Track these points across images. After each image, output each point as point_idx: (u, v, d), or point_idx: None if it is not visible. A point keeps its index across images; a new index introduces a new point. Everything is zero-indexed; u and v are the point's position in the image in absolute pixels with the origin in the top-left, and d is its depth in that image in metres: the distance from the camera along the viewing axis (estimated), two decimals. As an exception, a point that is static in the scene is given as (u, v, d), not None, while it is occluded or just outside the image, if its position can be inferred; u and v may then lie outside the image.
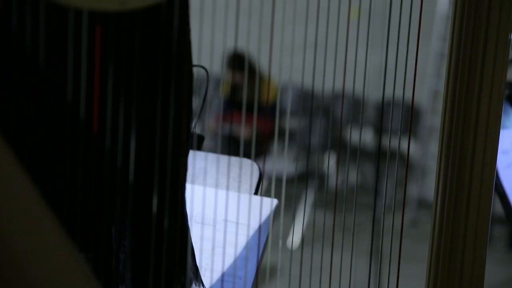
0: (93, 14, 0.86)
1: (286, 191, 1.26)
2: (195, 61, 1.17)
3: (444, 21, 5.93)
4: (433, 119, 6.21)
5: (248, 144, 4.71)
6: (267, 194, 1.33)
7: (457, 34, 1.21)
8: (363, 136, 6.32)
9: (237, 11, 1.12)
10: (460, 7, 1.20)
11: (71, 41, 0.88)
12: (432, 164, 6.11)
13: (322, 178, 5.76)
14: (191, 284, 1.10)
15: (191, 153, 1.23)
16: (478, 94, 1.19)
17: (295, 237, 4.91)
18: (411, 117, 1.41)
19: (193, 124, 1.31)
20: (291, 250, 1.61)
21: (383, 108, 1.46)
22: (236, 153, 1.34)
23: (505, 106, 1.78)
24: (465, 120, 1.20)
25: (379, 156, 1.59)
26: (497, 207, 2.12)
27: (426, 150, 6.29)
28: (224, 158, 1.34)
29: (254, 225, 1.29)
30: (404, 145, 1.55)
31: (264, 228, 1.28)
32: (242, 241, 1.28)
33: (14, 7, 0.87)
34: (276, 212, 1.31)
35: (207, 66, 1.29)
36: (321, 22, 1.29)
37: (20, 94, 0.90)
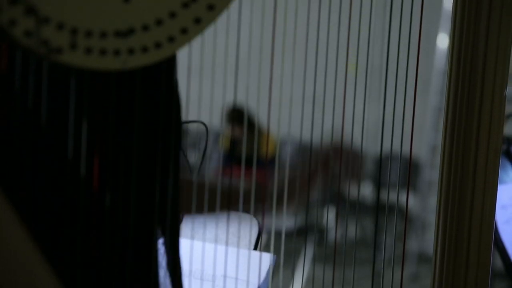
0: (94, 72, 0.87)
1: (285, 246, 1.25)
2: (195, 115, 1.18)
3: (442, 76, 5.98)
4: (432, 173, 6.20)
5: (247, 198, 4.69)
6: (267, 248, 1.32)
7: (453, 90, 1.22)
8: (362, 190, 6.31)
9: (236, 66, 1.13)
10: (455, 64, 1.22)
11: (73, 98, 0.90)
12: (432, 218, 6.08)
13: (321, 232, 5.73)
14: None
15: (190, 208, 1.23)
16: (475, 149, 1.20)
17: (295, 292, 4.85)
18: (409, 171, 1.41)
19: (193, 178, 1.32)
20: (291, 306, 1.59)
21: (381, 161, 1.46)
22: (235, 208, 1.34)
23: (503, 162, 1.78)
24: (463, 175, 1.21)
25: (378, 210, 1.58)
26: (497, 262, 2.11)
27: (425, 204, 6.27)
28: (223, 213, 1.34)
29: (254, 280, 1.28)
30: (403, 199, 1.55)
31: (263, 283, 1.27)
32: (241, 296, 1.27)
33: (17, 66, 0.88)
34: (275, 266, 1.30)
35: (206, 121, 1.30)
36: (319, 76, 1.31)
37: (21, 150, 0.91)
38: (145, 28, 0.87)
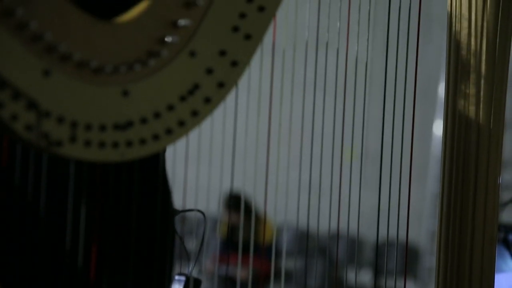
0: (93, 164, 0.89)
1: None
2: (192, 202, 1.19)
3: (439, 163, 5.99)
4: (432, 259, 6.13)
5: (244, 285, 4.64)
6: None
7: (447, 177, 1.23)
8: (361, 277, 6.24)
9: (233, 153, 1.14)
10: (449, 151, 1.23)
11: (71, 190, 0.91)
12: (432, 305, 5.98)
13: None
14: None
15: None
16: (471, 237, 1.20)
17: None
18: (405, 257, 1.41)
19: (191, 268, 1.31)
20: None
21: (377, 248, 1.46)
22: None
23: (501, 250, 1.78)
24: (459, 263, 1.20)
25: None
26: None
27: (426, 291, 6.19)
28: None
29: None
30: (402, 286, 1.54)
31: None
32: None
33: (18, 159, 0.89)
34: None
35: (204, 207, 1.31)
36: (315, 163, 1.32)
37: (20, 243, 0.92)
38: (143, 121, 0.89)
